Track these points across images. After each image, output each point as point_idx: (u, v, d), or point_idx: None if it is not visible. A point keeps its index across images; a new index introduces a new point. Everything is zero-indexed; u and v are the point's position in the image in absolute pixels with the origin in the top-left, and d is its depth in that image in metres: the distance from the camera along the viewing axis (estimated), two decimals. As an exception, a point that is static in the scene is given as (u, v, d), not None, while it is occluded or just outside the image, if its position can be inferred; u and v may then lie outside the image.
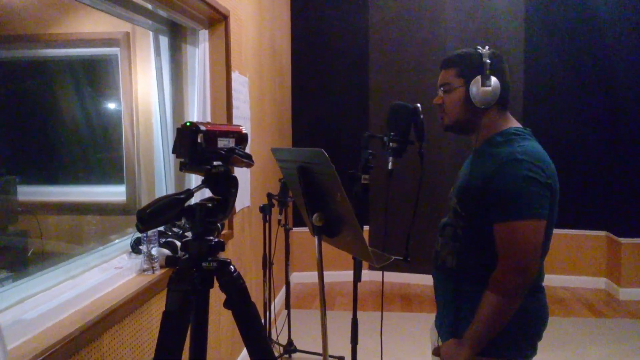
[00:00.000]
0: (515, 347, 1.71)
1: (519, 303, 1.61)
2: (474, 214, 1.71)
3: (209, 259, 1.53)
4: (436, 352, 1.80)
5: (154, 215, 1.35)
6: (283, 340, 3.89)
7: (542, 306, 1.75)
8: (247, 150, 1.66)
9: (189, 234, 2.48)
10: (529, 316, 1.69)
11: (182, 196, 1.43)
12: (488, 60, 1.72)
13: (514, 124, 1.79)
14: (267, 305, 3.55)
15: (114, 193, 3.11)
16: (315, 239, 1.63)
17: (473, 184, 1.73)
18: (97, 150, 3.16)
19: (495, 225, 1.63)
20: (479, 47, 1.78)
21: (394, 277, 5.62)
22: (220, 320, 3.12)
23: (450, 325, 1.79)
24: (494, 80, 1.71)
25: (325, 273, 1.64)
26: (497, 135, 1.75)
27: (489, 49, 1.77)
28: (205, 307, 1.58)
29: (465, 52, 1.80)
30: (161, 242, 2.41)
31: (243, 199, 3.58)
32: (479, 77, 1.72)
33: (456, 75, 1.77)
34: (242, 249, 3.59)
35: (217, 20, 3.14)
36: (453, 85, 1.78)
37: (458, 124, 1.82)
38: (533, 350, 1.74)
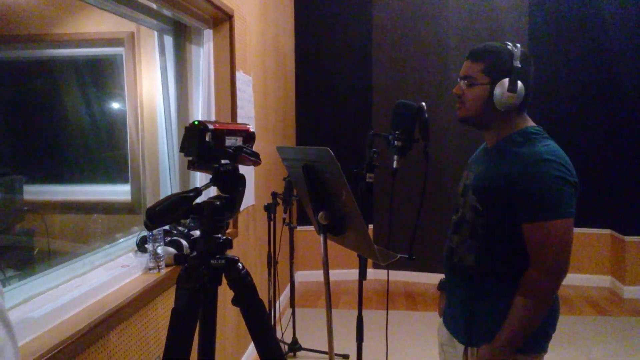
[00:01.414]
0: (537, 342, 1.71)
1: (551, 302, 1.64)
2: (496, 212, 1.70)
3: (217, 256, 1.54)
4: None
5: (163, 213, 1.36)
6: (288, 338, 3.89)
7: (557, 300, 1.76)
8: (253, 149, 1.66)
9: (194, 232, 2.50)
10: (550, 312, 1.70)
11: (191, 194, 1.44)
12: (519, 65, 1.68)
13: (531, 123, 1.78)
14: (271, 304, 3.55)
15: (119, 192, 3.12)
16: (321, 238, 1.63)
17: (496, 183, 1.70)
18: (102, 150, 3.17)
19: (525, 226, 1.62)
20: (509, 43, 1.73)
21: (398, 276, 5.62)
22: (226, 318, 3.13)
23: (468, 325, 1.78)
24: (520, 85, 1.67)
25: (330, 271, 1.65)
26: (515, 135, 1.73)
27: (520, 47, 1.72)
28: (213, 304, 1.58)
29: (496, 48, 1.73)
30: (166, 240, 2.42)
31: (247, 198, 3.58)
32: (506, 81, 1.67)
33: (483, 71, 1.72)
34: (246, 247, 3.60)
35: (222, 19, 3.15)
36: (478, 81, 1.74)
37: (474, 120, 1.80)
38: (549, 341, 1.76)
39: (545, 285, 1.61)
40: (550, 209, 1.58)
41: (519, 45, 1.73)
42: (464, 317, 1.82)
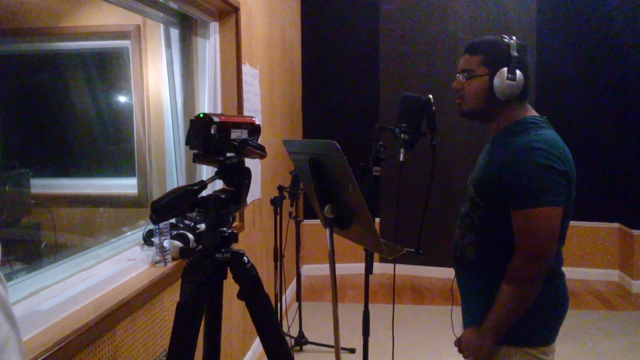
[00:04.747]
0: (536, 334, 1.71)
1: (536, 291, 1.62)
2: (491, 203, 1.71)
3: (223, 250, 1.53)
4: (457, 343, 1.80)
5: (169, 207, 1.36)
6: (294, 332, 3.90)
7: (561, 292, 1.75)
8: (259, 142, 1.66)
9: (200, 226, 2.50)
10: (548, 303, 1.70)
11: (196, 187, 1.43)
12: (516, 53, 1.70)
13: (531, 113, 1.78)
14: (278, 298, 3.56)
15: (125, 185, 3.13)
16: (327, 231, 1.63)
17: (490, 173, 1.72)
18: (109, 143, 3.18)
19: (513, 213, 1.64)
20: (504, 36, 1.75)
21: (405, 270, 5.61)
22: (232, 312, 3.13)
23: (473, 316, 1.79)
24: (519, 74, 1.68)
25: (336, 265, 1.64)
26: (513, 125, 1.74)
27: (515, 39, 1.73)
28: (219, 298, 1.58)
29: (493, 40, 1.76)
30: (173, 234, 2.42)
31: (254, 192, 3.58)
32: (504, 70, 1.68)
33: (481, 63, 1.74)
34: (253, 241, 3.60)
35: (228, 12, 3.13)
36: (476, 73, 1.75)
37: (475, 112, 1.80)
38: (553, 335, 1.75)
39: (527, 272, 1.61)
40: (535, 196, 1.59)
41: (514, 37, 1.75)
42: (468, 309, 1.84)
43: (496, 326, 1.66)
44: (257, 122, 1.68)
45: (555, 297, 1.73)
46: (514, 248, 1.65)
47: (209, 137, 1.46)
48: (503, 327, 1.66)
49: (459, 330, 1.89)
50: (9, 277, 1.87)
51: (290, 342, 3.85)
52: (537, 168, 1.59)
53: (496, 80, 1.70)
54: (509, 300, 1.63)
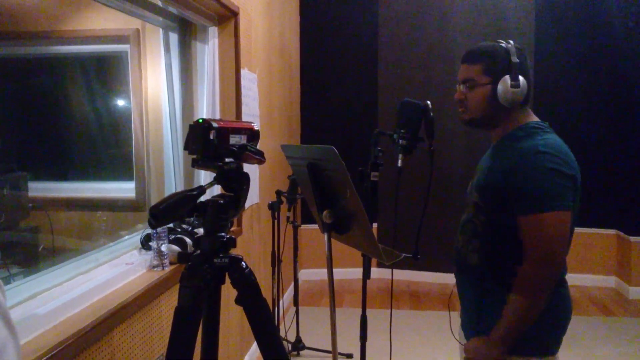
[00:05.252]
0: (541, 343, 1.70)
1: (547, 298, 1.61)
2: (495, 208, 1.70)
3: (221, 255, 1.53)
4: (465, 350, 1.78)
5: (167, 212, 1.36)
6: (291, 337, 3.89)
7: (565, 300, 1.74)
8: (258, 147, 1.66)
9: (198, 231, 2.50)
10: (553, 312, 1.68)
11: (195, 192, 1.44)
12: (516, 59, 1.69)
13: (533, 118, 1.78)
14: (275, 302, 3.55)
15: (123, 189, 3.13)
16: (325, 236, 1.63)
17: (494, 178, 1.70)
18: (107, 147, 3.18)
19: (520, 219, 1.62)
20: (501, 41, 1.74)
21: (403, 275, 5.60)
22: (230, 316, 3.13)
23: (475, 324, 1.78)
24: (522, 80, 1.68)
25: (334, 270, 1.64)
26: (517, 130, 1.73)
27: (513, 44, 1.72)
28: (216, 303, 1.58)
29: (491, 47, 1.74)
30: (170, 238, 2.42)
31: (252, 196, 3.58)
32: (507, 77, 1.67)
33: (482, 72, 1.73)
34: (250, 246, 3.60)
35: (227, 17, 3.14)
36: (479, 82, 1.73)
37: (480, 121, 1.79)
38: (558, 344, 1.75)
39: (537, 279, 1.59)
40: (543, 201, 1.57)
41: (512, 41, 1.74)
42: (470, 316, 1.83)
43: (506, 336, 1.63)
44: (255, 128, 1.69)
45: (561, 306, 1.72)
46: (518, 254, 1.63)
47: (208, 143, 1.46)
48: (513, 336, 1.63)
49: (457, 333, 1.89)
50: (7, 280, 1.87)
51: (288, 347, 3.84)
52: (545, 172, 1.58)
53: (500, 88, 1.69)
54: (519, 309, 1.61)
